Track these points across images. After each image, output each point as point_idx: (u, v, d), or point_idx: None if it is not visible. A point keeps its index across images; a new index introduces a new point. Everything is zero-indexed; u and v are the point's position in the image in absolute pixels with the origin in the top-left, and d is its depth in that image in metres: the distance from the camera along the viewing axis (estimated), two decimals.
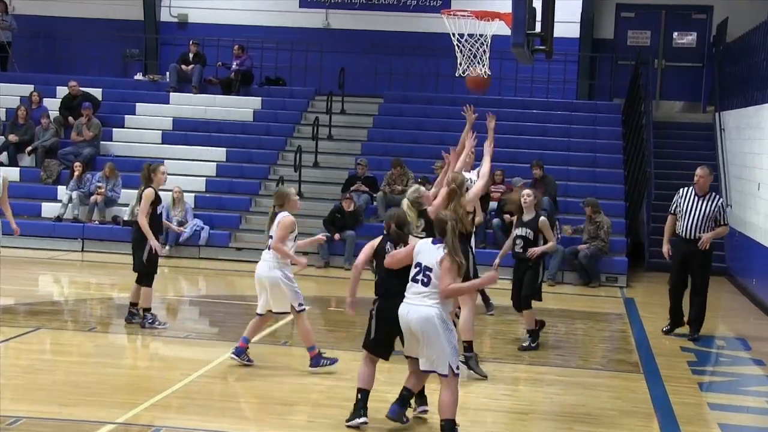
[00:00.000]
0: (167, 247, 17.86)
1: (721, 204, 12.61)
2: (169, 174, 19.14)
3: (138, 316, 12.00)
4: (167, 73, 23.26)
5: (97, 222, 18.87)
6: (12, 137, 20.86)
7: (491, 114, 10.85)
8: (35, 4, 24.80)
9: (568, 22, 21.50)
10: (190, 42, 23.25)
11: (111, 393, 9.16)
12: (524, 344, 11.69)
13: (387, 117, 22.26)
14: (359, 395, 8.31)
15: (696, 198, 12.53)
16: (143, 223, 11.69)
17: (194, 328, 13.04)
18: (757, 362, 12.01)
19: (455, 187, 9.55)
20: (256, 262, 10.23)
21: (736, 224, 17.39)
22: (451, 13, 12.40)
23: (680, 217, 12.60)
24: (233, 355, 10.20)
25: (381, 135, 21.70)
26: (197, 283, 16.99)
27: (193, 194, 19.51)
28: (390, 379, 9.16)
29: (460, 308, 9.82)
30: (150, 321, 11.90)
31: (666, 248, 12.79)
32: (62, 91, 22.02)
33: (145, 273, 11.88)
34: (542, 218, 11.58)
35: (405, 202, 9.56)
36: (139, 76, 23.86)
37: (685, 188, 12.75)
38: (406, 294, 7.91)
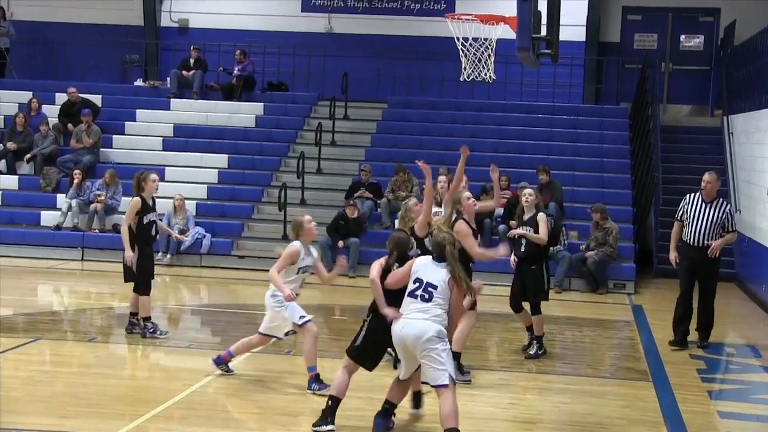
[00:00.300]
0: (168, 256, 17.78)
1: (729, 210, 12.44)
2: (170, 181, 19.46)
3: (138, 326, 11.87)
4: (168, 78, 23.17)
5: (97, 230, 18.69)
6: (10, 145, 20.73)
7: (465, 146, 10.54)
8: (33, 9, 24.69)
9: (573, 26, 21.43)
10: (191, 47, 23.14)
11: (112, 404, 9.09)
12: (531, 352, 11.60)
13: (391, 122, 22.12)
14: (329, 402, 8.35)
15: (703, 204, 12.36)
16: (124, 231, 11.65)
17: (196, 338, 12.91)
18: (767, 370, 11.88)
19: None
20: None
21: (745, 230, 17.23)
22: (456, 17, 12.34)
23: (687, 224, 12.42)
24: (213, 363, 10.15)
25: (385, 141, 21.55)
26: (199, 292, 16.84)
27: (194, 202, 19.35)
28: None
29: None
30: (151, 330, 11.78)
31: (673, 255, 12.61)
32: (61, 97, 21.88)
33: (140, 281, 11.74)
34: (540, 213, 11.52)
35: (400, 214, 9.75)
36: (139, 82, 23.78)
37: (692, 194, 12.57)
38: (402, 309, 7.95)
